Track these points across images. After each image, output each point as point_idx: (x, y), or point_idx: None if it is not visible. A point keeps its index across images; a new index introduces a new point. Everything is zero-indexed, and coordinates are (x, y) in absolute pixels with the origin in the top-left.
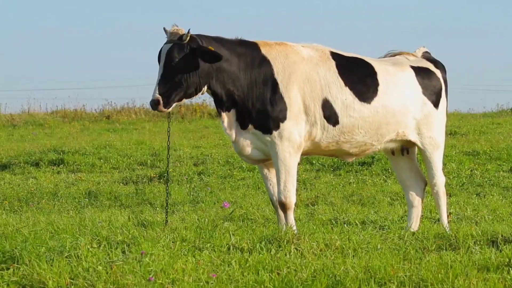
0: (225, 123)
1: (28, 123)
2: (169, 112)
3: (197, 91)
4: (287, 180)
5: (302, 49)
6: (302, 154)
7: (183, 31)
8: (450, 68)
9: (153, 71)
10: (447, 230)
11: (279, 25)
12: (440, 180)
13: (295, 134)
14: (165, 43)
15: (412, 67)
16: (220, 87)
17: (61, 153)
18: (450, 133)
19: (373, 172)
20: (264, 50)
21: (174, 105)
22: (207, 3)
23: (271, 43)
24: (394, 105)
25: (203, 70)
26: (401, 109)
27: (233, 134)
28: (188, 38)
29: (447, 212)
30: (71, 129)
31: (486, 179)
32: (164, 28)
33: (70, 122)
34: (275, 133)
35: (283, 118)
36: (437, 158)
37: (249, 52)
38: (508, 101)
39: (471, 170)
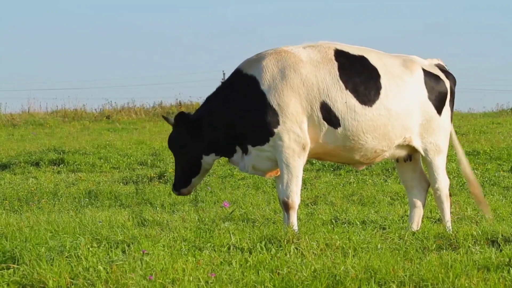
0: (238, 162)
1: (28, 123)
2: None
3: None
4: (289, 180)
5: (302, 51)
6: (316, 158)
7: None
8: (450, 68)
9: (153, 71)
10: (449, 233)
11: (282, 24)
12: (442, 184)
13: (296, 134)
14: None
15: (423, 70)
16: (221, 137)
17: (61, 153)
18: None
19: (373, 172)
20: (246, 69)
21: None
22: (207, 2)
23: (258, 57)
24: (398, 108)
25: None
26: (405, 112)
27: (246, 166)
28: (174, 120)
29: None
30: (71, 128)
31: (486, 179)
32: (164, 117)
33: (70, 122)
34: (272, 138)
35: (276, 123)
36: (439, 163)
37: (230, 83)
38: (508, 101)
39: (471, 170)
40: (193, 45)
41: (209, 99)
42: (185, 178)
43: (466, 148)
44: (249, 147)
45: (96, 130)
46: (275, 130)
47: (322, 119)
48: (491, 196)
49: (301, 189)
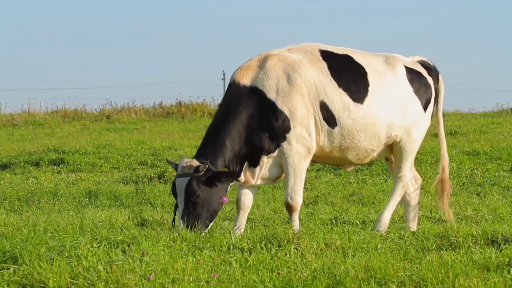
0: (247, 177)
1: (28, 123)
2: None
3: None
4: (295, 183)
5: (290, 54)
6: (311, 161)
7: (196, 162)
8: (450, 68)
9: (153, 71)
10: (375, 232)
11: (281, 24)
12: (406, 175)
13: (304, 138)
14: (178, 177)
15: (405, 67)
16: (235, 163)
17: (61, 153)
18: (450, 132)
19: (373, 172)
20: (245, 81)
21: (206, 230)
22: (205, 3)
23: (252, 64)
24: (385, 105)
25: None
26: (391, 109)
27: (255, 178)
28: (206, 168)
29: (393, 213)
30: (71, 128)
31: (486, 179)
32: (169, 162)
33: (70, 122)
34: (283, 143)
35: (288, 129)
36: (410, 160)
37: (231, 101)
38: (508, 101)
39: (472, 170)
40: (193, 45)
41: (220, 126)
42: (211, 217)
43: (466, 148)
44: (262, 157)
45: (96, 130)
46: (287, 135)
47: (322, 120)
48: (491, 196)
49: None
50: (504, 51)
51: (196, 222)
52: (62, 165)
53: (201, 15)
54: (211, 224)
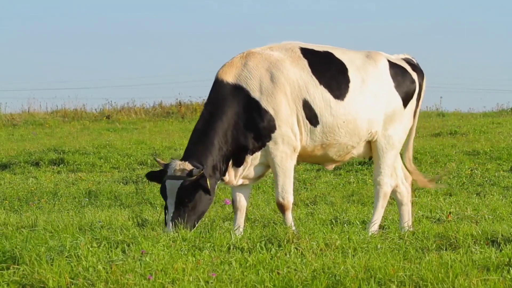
0: (231, 177)
1: (28, 123)
2: None
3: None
4: (284, 182)
5: (272, 52)
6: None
7: (189, 166)
8: (450, 68)
9: (153, 71)
10: (370, 235)
11: (282, 24)
12: (385, 180)
13: (289, 137)
14: (169, 179)
15: (388, 61)
16: (223, 164)
17: (61, 153)
18: (450, 132)
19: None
20: (229, 78)
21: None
22: (205, 3)
23: (235, 62)
24: (365, 101)
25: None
26: (371, 105)
27: (236, 178)
28: (200, 173)
29: (381, 218)
30: (71, 128)
31: (486, 179)
32: (157, 160)
33: (70, 122)
34: (268, 143)
35: (273, 128)
36: (388, 160)
37: (217, 99)
38: (508, 101)
39: (471, 170)
40: (193, 45)
41: (207, 126)
42: (198, 218)
43: (466, 148)
44: (247, 156)
45: (96, 130)
46: (272, 135)
47: (305, 118)
48: (491, 196)
49: (302, 189)
50: (504, 51)
51: (186, 224)
52: (62, 165)
53: (201, 15)
54: (197, 223)
